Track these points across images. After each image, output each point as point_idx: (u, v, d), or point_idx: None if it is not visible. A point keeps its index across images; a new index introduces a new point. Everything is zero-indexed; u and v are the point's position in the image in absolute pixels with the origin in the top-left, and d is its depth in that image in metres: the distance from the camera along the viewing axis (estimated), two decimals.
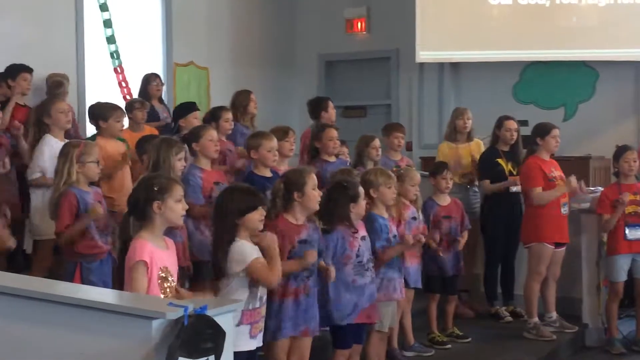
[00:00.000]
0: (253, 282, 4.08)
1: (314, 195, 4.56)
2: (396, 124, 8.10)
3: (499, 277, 7.47)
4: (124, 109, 6.68)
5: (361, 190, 4.92)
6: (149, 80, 8.41)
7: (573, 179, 6.65)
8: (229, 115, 6.76)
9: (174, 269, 3.82)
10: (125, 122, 6.67)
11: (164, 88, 8.84)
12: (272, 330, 4.47)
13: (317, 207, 4.60)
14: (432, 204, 6.54)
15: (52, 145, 5.77)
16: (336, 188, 4.95)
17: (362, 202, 4.91)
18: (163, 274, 3.70)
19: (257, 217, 4.13)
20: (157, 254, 3.72)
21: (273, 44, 11.49)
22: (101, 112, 6.31)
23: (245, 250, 4.06)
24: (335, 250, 4.82)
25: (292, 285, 4.51)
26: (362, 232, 5.00)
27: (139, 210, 3.80)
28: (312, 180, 4.58)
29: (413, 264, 5.93)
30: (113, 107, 6.38)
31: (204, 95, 10.16)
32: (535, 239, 6.73)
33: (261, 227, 4.18)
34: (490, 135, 7.57)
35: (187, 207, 3.91)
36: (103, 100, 6.88)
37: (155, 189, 3.79)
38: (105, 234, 4.99)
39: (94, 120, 6.39)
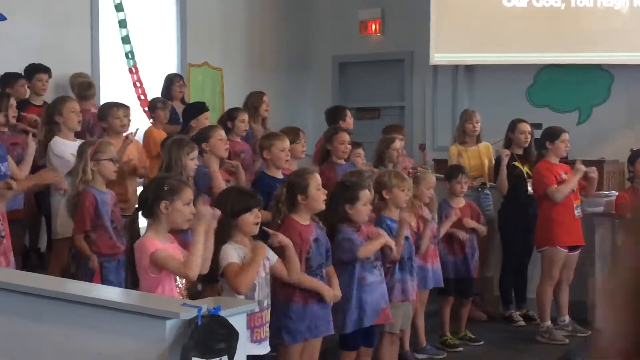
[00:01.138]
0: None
1: (318, 195, 4.52)
2: (397, 125, 8.14)
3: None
4: (128, 106, 6.66)
5: (364, 193, 4.82)
6: (173, 80, 8.40)
7: (580, 164, 6.67)
8: (245, 116, 6.77)
9: None
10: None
11: None
12: (302, 332, 4.44)
13: (323, 207, 4.57)
14: (447, 207, 6.53)
15: (59, 148, 5.77)
16: (336, 188, 4.96)
17: (361, 205, 4.78)
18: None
19: (251, 219, 4.11)
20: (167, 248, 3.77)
21: (287, 45, 11.50)
22: (101, 112, 6.31)
23: (225, 253, 4.05)
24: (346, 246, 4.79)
25: None
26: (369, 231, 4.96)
27: (147, 208, 3.82)
28: (316, 180, 4.55)
29: (434, 264, 5.94)
30: (111, 106, 6.34)
31: (218, 96, 10.19)
32: (549, 242, 6.72)
33: (256, 230, 4.16)
34: (503, 139, 7.55)
35: (194, 211, 3.88)
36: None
37: (166, 188, 3.81)
38: (120, 235, 5.01)
39: (99, 121, 6.39)
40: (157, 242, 3.73)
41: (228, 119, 6.69)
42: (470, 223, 6.51)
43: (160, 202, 3.78)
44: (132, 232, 3.89)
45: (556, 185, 6.64)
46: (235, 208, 4.11)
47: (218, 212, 3.82)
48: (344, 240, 4.77)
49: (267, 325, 4.20)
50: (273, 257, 4.29)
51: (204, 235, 3.75)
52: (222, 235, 4.09)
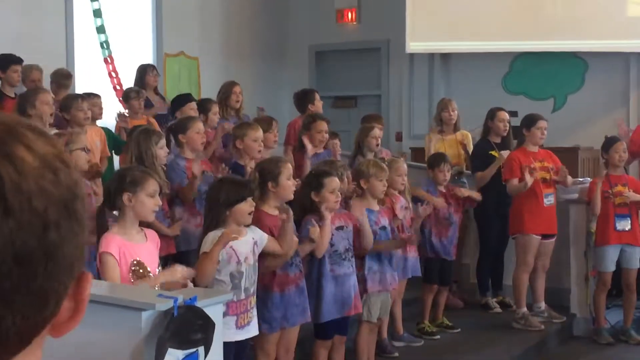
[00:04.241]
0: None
1: (288, 185, 4.52)
2: (375, 114, 8.14)
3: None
4: (97, 95, 6.58)
5: (330, 180, 4.74)
6: (147, 70, 8.33)
7: (504, 153, 6.91)
8: (217, 107, 6.77)
9: (150, 261, 3.76)
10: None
11: None
12: (278, 319, 4.46)
13: (291, 197, 4.58)
14: (434, 191, 6.54)
15: None
16: (306, 177, 4.97)
17: (327, 193, 4.70)
18: (135, 268, 3.68)
19: (246, 208, 4.14)
20: (129, 248, 3.69)
21: (263, 34, 11.48)
22: (64, 104, 6.22)
23: (205, 241, 4.08)
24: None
25: (291, 274, 4.51)
26: (340, 221, 4.95)
27: (110, 200, 3.80)
28: (287, 170, 4.54)
29: (411, 254, 5.96)
30: (74, 97, 6.27)
31: (194, 85, 10.16)
32: (521, 230, 6.78)
33: (249, 219, 4.18)
34: (480, 126, 7.59)
35: (160, 203, 3.86)
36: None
37: (128, 180, 3.76)
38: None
39: (61, 112, 6.31)
40: (115, 241, 3.67)
41: (201, 110, 6.68)
42: (465, 192, 6.53)
43: (122, 194, 3.73)
44: (99, 225, 3.85)
45: (516, 181, 6.69)
46: (231, 198, 4.12)
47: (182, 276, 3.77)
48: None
49: (253, 310, 4.22)
50: (263, 237, 4.28)
51: (155, 283, 3.70)
52: (216, 223, 4.11)
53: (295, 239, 4.47)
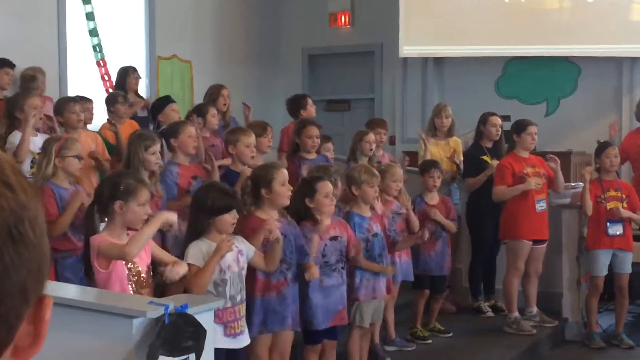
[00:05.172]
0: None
1: (282, 191, 4.49)
2: (379, 119, 8.12)
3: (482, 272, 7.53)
4: (88, 99, 6.56)
5: (322, 184, 4.76)
6: (128, 72, 8.28)
7: (494, 163, 6.87)
8: (215, 110, 6.74)
9: (140, 264, 3.77)
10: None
11: (147, 82, 8.79)
12: (257, 325, 4.44)
13: (286, 203, 4.54)
14: (420, 202, 6.53)
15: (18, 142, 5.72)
16: (299, 183, 4.95)
17: (321, 197, 4.71)
18: (135, 278, 3.69)
19: (229, 219, 4.11)
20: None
21: (256, 38, 11.48)
22: (57, 107, 6.22)
23: (188, 252, 4.06)
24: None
25: (273, 280, 4.48)
26: (336, 232, 4.93)
27: (102, 205, 3.80)
28: (281, 176, 4.52)
29: (403, 259, 5.95)
30: (67, 100, 6.26)
31: (187, 89, 10.15)
32: (512, 235, 6.79)
33: (232, 230, 4.16)
34: (472, 130, 7.60)
35: (149, 211, 3.87)
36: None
37: (121, 188, 3.76)
38: (79, 231, 4.96)
39: (55, 116, 6.31)
40: (107, 239, 3.70)
41: (199, 114, 6.65)
42: (438, 216, 6.48)
43: (115, 202, 3.74)
44: (88, 227, 3.84)
45: (504, 187, 6.69)
46: (215, 206, 4.10)
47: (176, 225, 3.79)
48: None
49: (243, 319, 4.20)
50: (250, 250, 4.27)
51: (154, 229, 3.73)
52: (196, 231, 4.10)
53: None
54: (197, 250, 4.06)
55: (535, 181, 6.64)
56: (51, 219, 4.88)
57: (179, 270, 3.72)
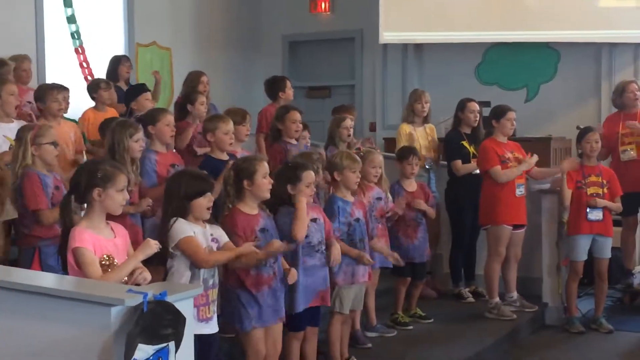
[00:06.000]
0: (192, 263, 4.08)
1: (264, 183, 4.51)
2: (348, 105, 8.14)
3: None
4: (67, 88, 6.52)
5: (307, 174, 4.77)
6: (121, 61, 8.23)
7: (531, 157, 6.75)
8: (204, 98, 6.70)
9: (120, 256, 3.73)
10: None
11: None
12: (253, 319, 4.46)
13: (267, 196, 4.56)
14: (399, 190, 6.51)
15: None
16: (281, 168, 4.96)
17: (303, 186, 4.72)
18: (105, 262, 3.65)
19: (204, 202, 4.12)
20: (98, 242, 3.67)
21: (237, 24, 11.42)
22: (38, 94, 6.19)
23: (179, 227, 4.06)
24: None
25: (265, 275, 4.49)
26: (314, 214, 4.93)
27: (79, 194, 3.77)
28: (263, 168, 4.54)
29: (381, 244, 5.94)
30: (50, 87, 6.23)
31: (167, 76, 10.07)
32: (492, 221, 6.80)
33: (208, 214, 4.17)
34: (452, 117, 7.60)
35: (128, 197, 3.86)
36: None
37: (99, 175, 3.73)
38: None
39: (36, 102, 6.25)
40: (86, 235, 3.64)
41: (188, 101, 6.61)
42: (421, 205, 6.50)
43: (93, 190, 3.71)
44: (64, 216, 3.81)
45: (500, 167, 6.70)
46: (189, 191, 4.11)
47: (157, 245, 3.75)
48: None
49: (214, 304, 4.20)
50: (222, 237, 4.28)
51: (135, 263, 3.68)
52: (174, 216, 4.09)
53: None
54: (187, 226, 4.07)
55: (534, 159, 6.71)
56: (42, 207, 4.85)
57: (146, 276, 3.69)
